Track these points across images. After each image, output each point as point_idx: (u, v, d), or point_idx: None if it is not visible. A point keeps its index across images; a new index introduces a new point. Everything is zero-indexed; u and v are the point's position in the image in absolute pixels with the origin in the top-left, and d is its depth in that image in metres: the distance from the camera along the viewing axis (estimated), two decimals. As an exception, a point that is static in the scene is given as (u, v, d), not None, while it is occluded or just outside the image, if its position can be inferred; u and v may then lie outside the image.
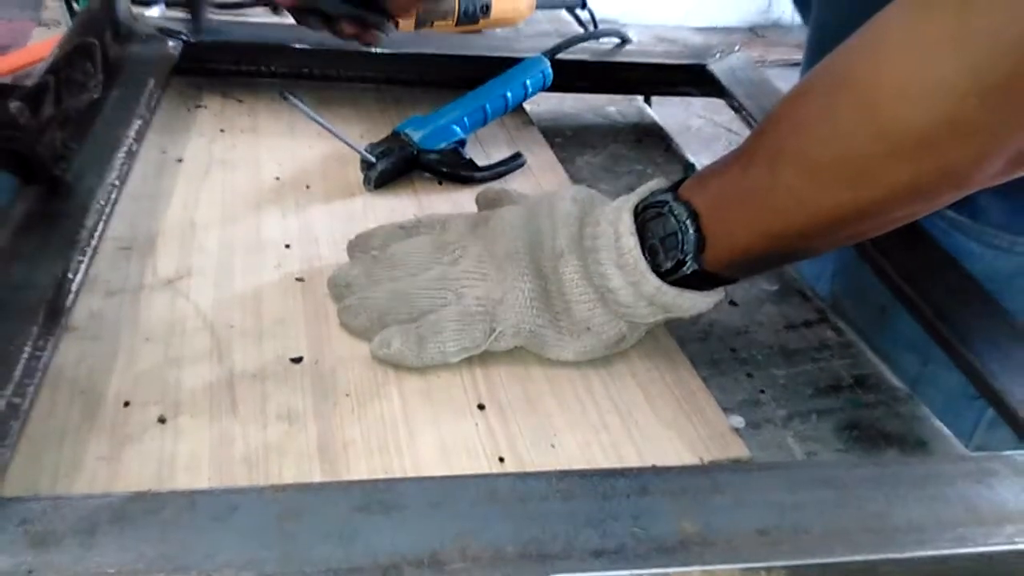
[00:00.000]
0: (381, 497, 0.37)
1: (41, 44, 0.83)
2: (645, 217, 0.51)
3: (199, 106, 0.77)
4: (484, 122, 0.76)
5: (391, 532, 0.35)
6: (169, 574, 0.33)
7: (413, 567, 0.34)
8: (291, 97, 0.64)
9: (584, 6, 1.12)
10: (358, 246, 0.59)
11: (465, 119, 0.73)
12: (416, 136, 0.70)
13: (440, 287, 0.53)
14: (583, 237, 0.52)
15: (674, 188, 0.51)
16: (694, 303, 0.51)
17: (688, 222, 0.49)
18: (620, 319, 0.52)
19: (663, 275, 0.50)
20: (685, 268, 0.49)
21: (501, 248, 0.54)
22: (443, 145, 0.71)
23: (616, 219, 0.51)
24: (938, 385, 0.58)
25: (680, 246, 0.49)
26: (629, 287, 0.50)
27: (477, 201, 0.64)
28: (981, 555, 0.38)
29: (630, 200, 0.52)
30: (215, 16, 0.90)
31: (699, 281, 0.50)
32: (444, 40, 0.87)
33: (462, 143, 0.73)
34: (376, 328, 0.53)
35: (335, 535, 0.35)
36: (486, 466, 0.46)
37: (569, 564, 0.35)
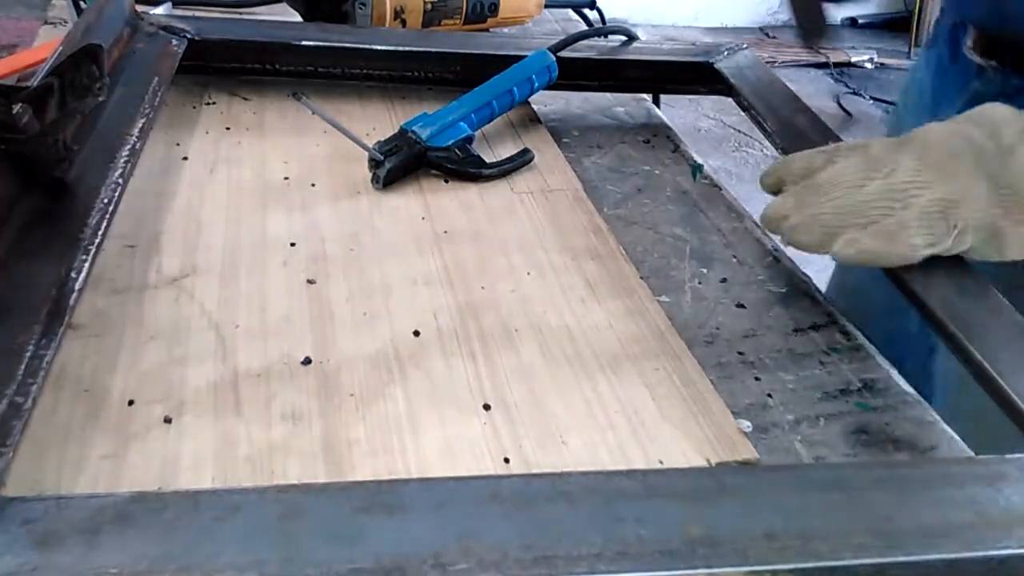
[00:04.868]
0: (384, 498, 0.36)
1: (47, 44, 0.83)
2: None
3: (205, 103, 0.77)
4: (491, 118, 0.76)
5: (394, 533, 0.35)
6: (172, 574, 0.32)
7: (416, 568, 0.33)
8: (304, 99, 0.64)
9: (593, 6, 1.12)
10: (778, 176, 0.61)
11: (472, 116, 0.73)
12: (424, 133, 0.70)
13: (886, 198, 0.55)
14: None
15: None
16: None
17: None
18: None
19: None
20: None
21: (936, 157, 0.56)
22: (451, 142, 0.71)
23: None
24: None
25: None
26: None
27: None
28: (991, 559, 0.38)
29: None
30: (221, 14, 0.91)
31: None
32: (451, 38, 0.87)
33: (469, 140, 0.73)
34: (829, 241, 0.55)
35: (338, 536, 0.34)
36: (491, 467, 0.45)
37: (573, 566, 0.34)
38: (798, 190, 0.59)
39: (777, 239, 0.72)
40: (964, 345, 0.52)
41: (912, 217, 0.54)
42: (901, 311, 0.62)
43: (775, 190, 0.62)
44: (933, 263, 0.55)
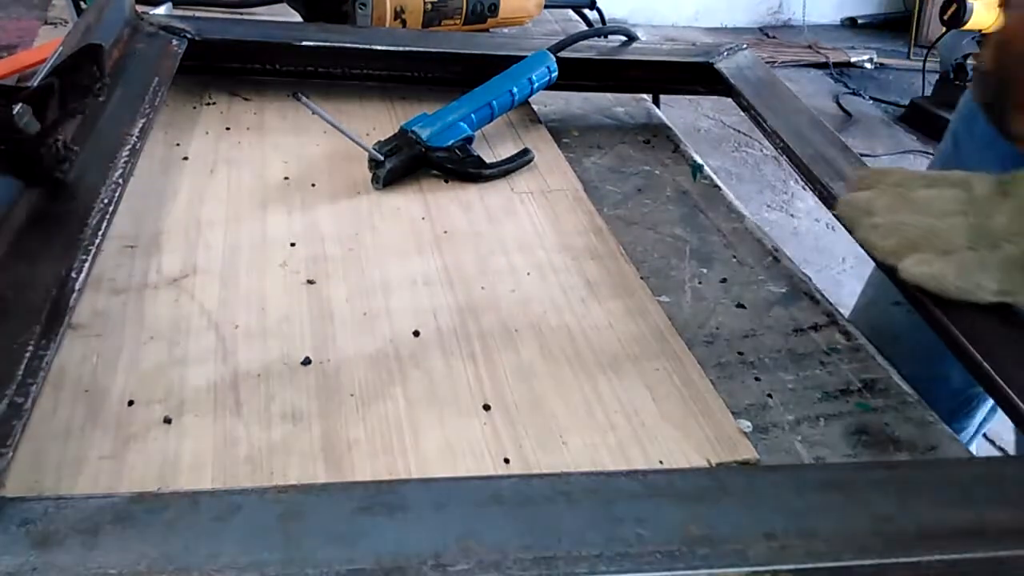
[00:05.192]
0: (384, 498, 0.36)
1: (47, 44, 0.83)
2: None
3: (205, 104, 0.77)
4: (491, 118, 0.76)
5: (394, 533, 0.35)
6: (171, 575, 0.32)
7: (416, 569, 0.33)
8: (304, 99, 0.64)
9: (593, 6, 1.12)
10: (870, 182, 0.61)
11: (472, 116, 0.73)
12: (424, 134, 0.70)
13: (976, 236, 0.55)
14: None
15: None
16: None
17: None
18: None
19: None
20: None
21: None
22: (451, 142, 0.71)
23: None
24: None
25: None
26: None
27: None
28: (992, 559, 0.38)
29: None
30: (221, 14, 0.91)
31: None
32: (451, 39, 0.87)
33: (469, 140, 0.73)
34: (904, 252, 0.55)
35: (338, 536, 0.34)
36: (491, 467, 0.45)
37: (573, 567, 0.34)
38: (893, 194, 0.59)
39: (780, 234, 0.72)
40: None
41: (994, 261, 0.54)
42: (939, 361, 0.61)
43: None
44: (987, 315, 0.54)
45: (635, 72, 0.87)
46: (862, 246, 0.58)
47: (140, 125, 0.61)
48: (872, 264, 0.61)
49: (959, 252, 0.54)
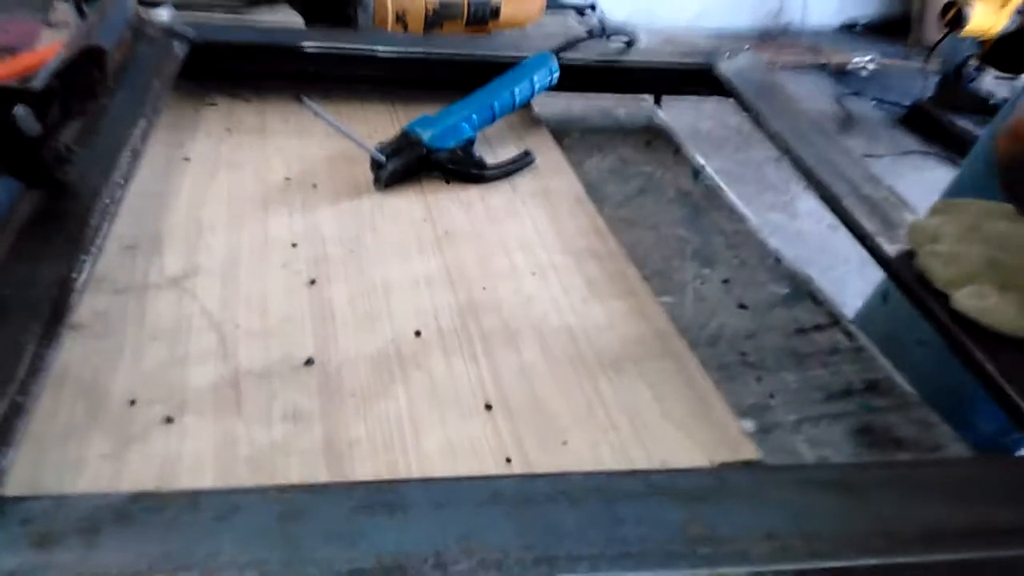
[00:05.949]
0: (384, 498, 0.36)
1: (50, 47, 0.83)
2: None
3: (207, 105, 0.77)
4: (492, 120, 0.76)
5: (394, 533, 0.35)
6: (171, 574, 0.32)
7: (416, 568, 0.33)
8: (308, 101, 0.64)
9: (593, 9, 1.12)
10: (944, 207, 0.61)
11: (474, 117, 0.73)
12: (425, 135, 0.70)
13: None
14: None
15: None
16: None
17: None
18: None
19: None
20: None
21: None
22: (452, 144, 0.71)
23: None
24: None
25: None
26: None
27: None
28: (994, 559, 0.37)
29: None
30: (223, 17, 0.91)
31: None
32: (452, 41, 0.87)
33: (471, 142, 0.73)
34: (960, 283, 0.54)
35: (338, 536, 0.34)
36: (493, 467, 0.45)
37: (574, 566, 0.34)
38: (965, 224, 0.58)
39: (781, 236, 0.72)
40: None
41: None
42: (963, 407, 0.60)
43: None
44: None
45: (636, 75, 0.87)
46: (921, 273, 0.57)
47: (142, 127, 0.61)
48: (877, 281, 0.61)
49: (1020, 289, 0.53)
